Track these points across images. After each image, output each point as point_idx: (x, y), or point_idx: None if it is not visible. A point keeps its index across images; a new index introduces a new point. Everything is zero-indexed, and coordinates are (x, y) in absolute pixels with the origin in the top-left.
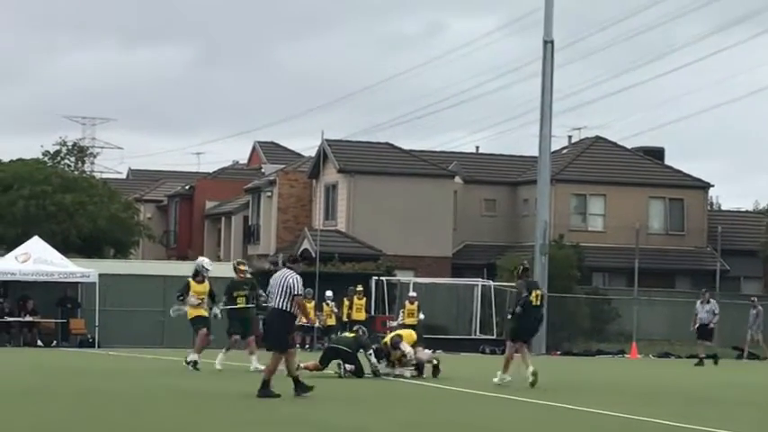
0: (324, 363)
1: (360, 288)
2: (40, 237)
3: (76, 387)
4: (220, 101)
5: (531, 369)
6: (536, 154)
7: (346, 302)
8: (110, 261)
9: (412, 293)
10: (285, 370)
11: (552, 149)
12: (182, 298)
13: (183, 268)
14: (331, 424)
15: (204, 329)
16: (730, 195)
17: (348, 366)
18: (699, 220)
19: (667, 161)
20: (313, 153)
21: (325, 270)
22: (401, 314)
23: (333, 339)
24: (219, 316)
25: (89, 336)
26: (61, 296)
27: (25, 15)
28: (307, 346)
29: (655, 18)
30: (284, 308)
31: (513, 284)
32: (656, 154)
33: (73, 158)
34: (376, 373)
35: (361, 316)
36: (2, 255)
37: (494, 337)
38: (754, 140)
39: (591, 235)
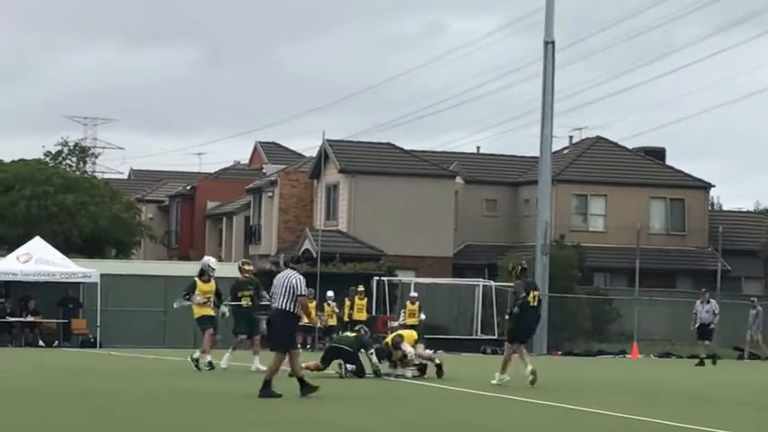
0: (325, 362)
1: (361, 288)
2: (42, 237)
3: (78, 387)
4: (222, 101)
5: (529, 368)
6: (537, 154)
7: (347, 303)
8: (111, 261)
9: (413, 294)
10: (287, 370)
11: (553, 150)
12: (188, 297)
13: (185, 268)
14: (332, 424)
15: (211, 329)
16: (731, 196)
17: (349, 366)
18: (700, 221)
19: (668, 161)
20: (314, 153)
21: (327, 270)
22: (402, 314)
23: (334, 339)
24: (227, 314)
25: (91, 336)
26: (63, 296)
27: (25, 15)
28: (308, 346)
29: (655, 19)
30: (288, 308)
31: (512, 284)
32: (657, 154)
33: (74, 159)
34: (377, 374)
35: (363, 316)
36: (3, 255)
37: (495, 337)
38: (754, 141)
39: (592, 235)
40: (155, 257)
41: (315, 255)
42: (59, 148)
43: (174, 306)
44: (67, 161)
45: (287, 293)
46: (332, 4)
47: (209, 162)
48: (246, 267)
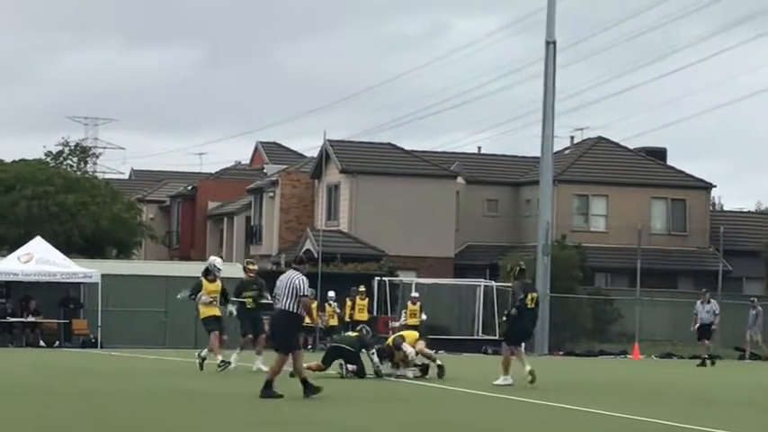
0: (327, 362)
1: (362, 288)
2: (43, 237)
3: (79, 387)
4: (222, 101)
5: (527, 368)
6: (538, 154)
7: (349, 303)
8: (112, 261)
9: (414, 294)
10: (288, 370)
11: (554, 150)
12: (193, 297)
13: (186, 269)
14: (333, 424)
15: (217, 331)
16: (732, 196)
17: (350, 366)
18: (701, 221)
19: (669, 162)
20: (315, 153)
21: (328, 270)
22: (403, 315)
23: (335, 338)
24: (234, 313)
25: (91, 336)
26: (64, 296)
27: (26, 15)
28: (309, 346)
29: (656, 19)
30: (291, 309)
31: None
32: (659, 154)
33: (75, 159)
34: (378, 374)
35: (364, 316)
36: (4, 255)
37: (496, 337)
38: (756, 141)
39: (593, 235)
40: (156, 258)
41: (316, 255)
42: (60, 148)
43: (178, 297)
44: (68, 161)
45: (290, 294)
46: (332, 3)
47: (209, 162)
48: (251, 267)
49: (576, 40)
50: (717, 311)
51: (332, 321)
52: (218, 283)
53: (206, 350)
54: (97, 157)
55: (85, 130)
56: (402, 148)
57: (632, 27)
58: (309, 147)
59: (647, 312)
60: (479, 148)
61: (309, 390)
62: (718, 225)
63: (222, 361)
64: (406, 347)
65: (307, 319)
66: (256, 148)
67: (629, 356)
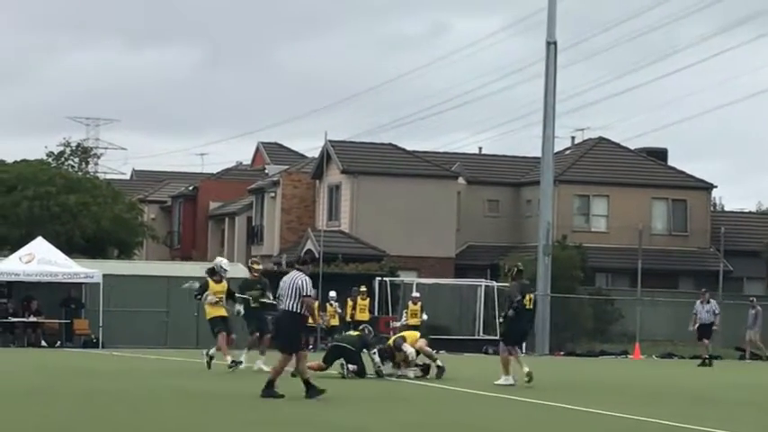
0: (328, 361)
1: (363, 289)
2: (44, 237)
3: (80, 387)
4: (223, 102)
5: (525, 369)
6: (539, 155)
7: (350, 303)
8: (113, 262)
9: (415, 294)
10: (290, 370)
11: (555, 150)
12: (199, 297)
13: (187, 269)
14: (334, 424)
15: (224, 331)
16: (733, 196)
17: (351, 367)
18: (702, 221)
19: (670, 162)
20: (316, 154)
21: (329, 271)
22: (404, 315)
23: (336, 338)
24: (242, 312)
25: (93, 336)
26: (65, 297)
27: (26, 15)
28: (310, 346)
29: (658, 19)
30: (295, 309)
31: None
32: (659, 155)
33: (77, 159)
34: (379, 374)
35: (365, 316)
36: (6, 255)
37: (497, 337)
38: (757, 141)
39: (594, 236)
40: (157, 258)
41: (317, 255)
42: (62, 148)
43: (185, 286)
44: (70, 162)
45: (293, 294)
46: (332, 3)
47: (211, 162)
48: (256, 267)
49: (577, 41)
50: (717, 311)
51: (333, 321)
52: (225, 283)
53: (213, 349)
54: (98, 157)
55: (87, 130)
56: (403, 149)
57: (633, 27)
58: (311, 147)
59: (647, 312)
60: (480, 148)
61: (312, 391)
62: (718, 225)
63: (233, 361)
64: (407, 348)
65: (309, 320)
66: (258, 149)
67: (629, 357)
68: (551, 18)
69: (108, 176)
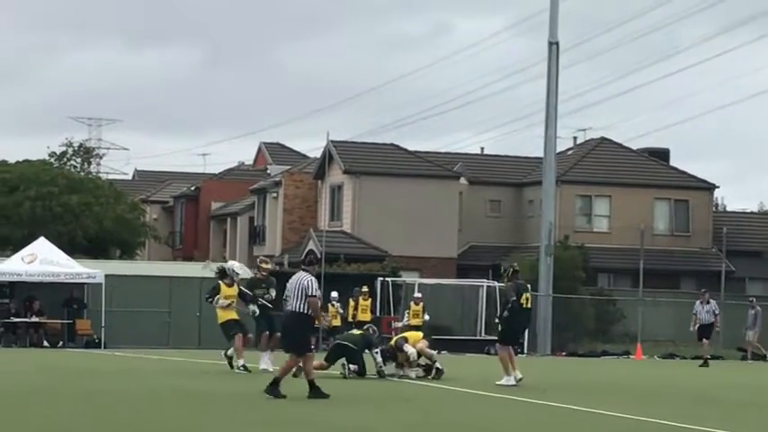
0: (330, 360)
1: (365, 289)
2: (47, 238)
3: (82, 387)
4: (226, 102)
5: (517, 375)
6: (541, 155)
7: (352, 303)
8: (116, 262)
9: (417, 294)
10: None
11: (557, 150)
12: (210, 300)
13: (189, 269)
14: (335, 425)
15: (239, 334)
16: (735, 196)
17: (352, 366)
18: (704, 222)
19: (672, 162)
20: (318, 154)
21: (331, 271)
22: (406, 315)
23: (339, 336)
24: (257, 312)
25: (95, 336)
26: (67, 297)
27: (26, 15)
28: (312, 346)
29: (660, 19)
30: (301, 310)
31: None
32: (662, 155)
33: (79, 159)
34: (381, 374)
35: (367, 317)
36: (8, 256)
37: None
38: (758, 141)
39: (596, 236)
40: (159, 258)
41: (319, 255)
42: (64, 148)
43: (202, 267)
44: (72, 162)
45: (300, 295)
46: (332, 3)
47: (213, 163)
48: (264, 266)
49: (580, 41)
50: (717, 311)
51: (335, 322)
52: (236, 287)
53: (231, 349)
54: (101, 157)
55: (89, 130)
56: (405, 149)
57: (635, 28)
58: (312, 147)
59: (649, 313)
60: (482, 148)
61: (315, 392)
62: (720, 226)
63: (243, 365)
64: (408, 348)
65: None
66: (260, 149)
67: (631, 357)
68: (553, 18)
69: (110, 177)
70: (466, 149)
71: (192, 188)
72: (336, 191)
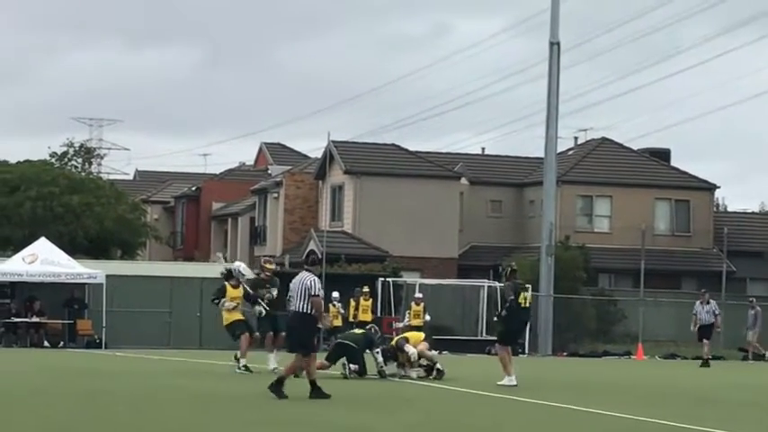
0: (331, 360)
1: (366, 289)
2: (47, 238)
3: (83, 388)
4: (226, 102)
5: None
6: (542, 155)
7: (353, 303)
8: (117, 262)
9: (418, 295)
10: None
11: (558, 151)
12: (216, 302)
13: (190, 269)
14: (336, 425)
15: (246, 334)
16: (736, 197)
17: (352, 366)
18: (705, 222)
19: (673, 162)
20: (319, 154)
21: (332, 271)
22: (407, 315)
23: (340, 336)
24: (264, 313)
25: (96, 337)
26: (68, 297)
27: (25, 16)
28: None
29: (661, 20)
30: (305, 310)
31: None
32: (662, 155)
33: (80, 160)
34: (382, 374)
35: (368, 317)
36: (9, 256)
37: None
38: (760, 142)
39: (597, 236)
40: (160, 258)
41: (320, 256)
42: (65, 148)
43: (218, 254)
44: (73, 162)
45: (303, 295)
46: (332, 4)
47: (214, 163)
48: (268, 266)
49: (580, 41)
50: (717, 312)
51: (336, 322)
52: (241, 288)
53: (242, 360)
54: (102, 157)
55: (90, 130)
56: (406, 149)
57: (636, 28)
58: (313, 148)
59: (650, 313)
60: (483, 148)
61: (316, 392)
62: (721, 226)
63: (245, 366)
64: (409, 348)
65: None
66: (261, 149)
67: (632, 357)
68: (554, 19)
69: (111, 177)
70: (466, 150)
71: (193, 188)
72: (337, 191)
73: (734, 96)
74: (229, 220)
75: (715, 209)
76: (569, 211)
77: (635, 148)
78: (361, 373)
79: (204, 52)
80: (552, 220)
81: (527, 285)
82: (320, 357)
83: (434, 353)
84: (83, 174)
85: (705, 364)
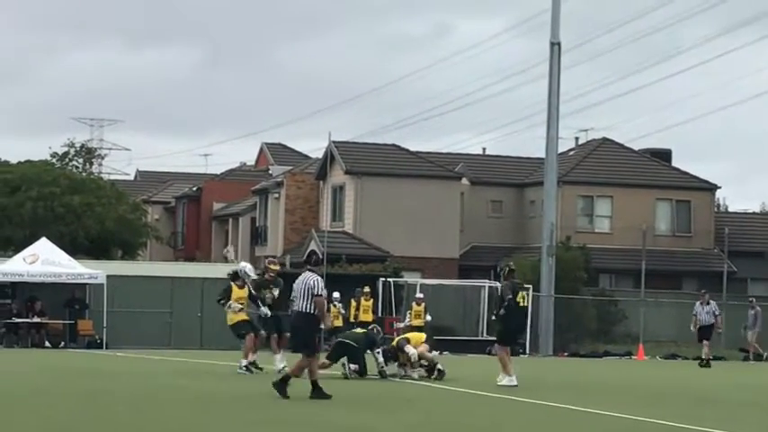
0: (332, 359)
1: (367, 289)
2: (48, 238)
3: (84, 388)
4: (227, 102)
5: (501, 377)
6: (543, 155)
7: (353, 303)
8: (117, 262)
9: (419, 295)
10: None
11: (559, 151)
12: (223, 302)
13: (191, 270)
14: (337, 425)
15: (251, 334)
16: (737, 197)
17: (352, 366)
18: (706, 222)
19: (674, 163)
20: (320, 154)
21: (333, 271)
22: (408, 316)
23: (341, 335)
24: (269, 314)
25: (97, 337)
26: (69, 297)
27: (26, 16)
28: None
29: (661, 20)
30: (308, 310)
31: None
32: (663, 155)
33: (81, 160)
34: (382, 374)
35: (369, 317)
36: (10, 256)
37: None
38: (761, 142)
39: (598, 236)
40: (161, 258)
41: (321, 256)
42: (66, 149)
43: (227, 251)
44: (74, 162)
45: (306, 295)
46: (333, 4)
47: (215, 163)
48: (272, 267)
49: (581, 42)
50: (717, 312)
51: (337, 322)
52: (246, 289)
53: (255, 356)
54: (102, 158)
55: (91, 131)
56: (407, 150)
57: (637, 28)
58: (314, 148)
59: (651, 313)
60: (484, 149)
61: (319, 394)
62: (722, 226)
63: (246, 366)
64: (409, 349)
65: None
66: (261, 150)
67: (633, 357)
68: (555, 19)
69: (112, 177)
70: (467, 150)
71: (194, 189)
72: (338, 191)
73: (735, 97)
74: (230, 220)
75: (716, 209)
76: (570, 212)
77: (636, 148)
78: (362, 372)
79: (204, 52)
80: (553, 220)
81: (526, 285)
82: (321, 357)
83: (435, 353)
84: (84, 174)
85: (706, 364)
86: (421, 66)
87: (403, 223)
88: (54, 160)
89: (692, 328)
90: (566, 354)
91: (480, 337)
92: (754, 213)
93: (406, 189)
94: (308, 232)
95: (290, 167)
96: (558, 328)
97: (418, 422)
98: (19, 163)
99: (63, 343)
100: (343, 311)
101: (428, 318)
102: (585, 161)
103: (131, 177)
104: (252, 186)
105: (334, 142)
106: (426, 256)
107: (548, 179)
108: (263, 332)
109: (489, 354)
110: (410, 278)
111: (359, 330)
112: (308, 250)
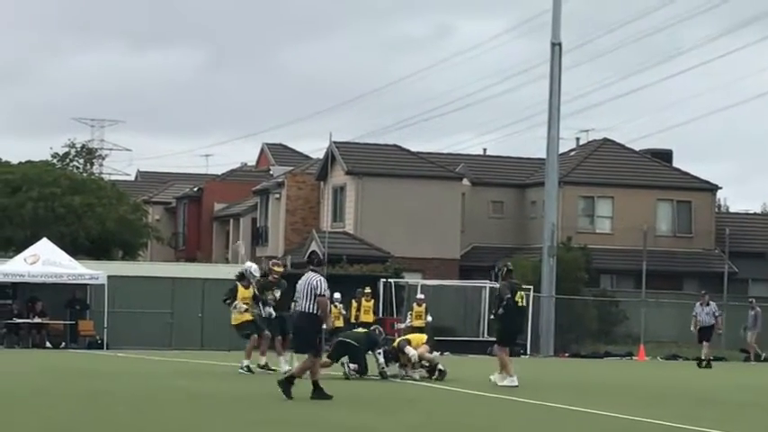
0: (333, 358)
1: (368, 290)
2: (49, 238)
3: (85, 388)
4: (227, 103)
5: (495, 376)
6: (544, 156)
7: (354, 304)
8: (118, 263)
9: (420, 295)
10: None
11: (560, 152)
12: (229, 302)
13: (192, 270)
14: (338, 425)
15: (255, 334)
16: (738, 197)
17: (352, 365)
18: (707, 223)
19: (675, 163)
20: (321, 155)
21: (334, 272)
22: (409, 316)
23: (342, 334)
24: (273, 314)
25: (98, 337)
26: (70, 298)
27: (29, 17)
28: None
29: (663, 20)
30: (311, 311)
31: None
32: (664, 156)
33: (82, 160)
34: (383, 375)
35: (369, 318)
36: (11, 257)
37: None
38: (761, 143)
39: (599, 237)
40: (162, 259)
41: (322, 256)
42: (67, 149)
43: (234, 247)
44: (75, 163)
45: (309, 295)
46: (334, 5)
47: (216, 164)
48: (276, 269)
49: (582, 42)
50: (717, 313)
51: (337, 323)
52: (251, 289)
53: (263, 359)
54: (103, 158)
55: (92, 131)
56: (408, 150)
57: (638, 29)
58: (315, 148)
59: (652, 314)
60: (485, 149)
61: (320, 394)
62: (723, 227)
63: (247, 367)
64: (409, 350)
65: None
66: (262, 150)
67: (634, 358)
68: (556, 19)
69: (113, 177)
70: (468, 151)
71: (195, 189)
72: (339, 192)
73: (736, 97)
74: (231, 220)
75: (717, 210)
76: (571, 212)
77: (637, 148)
78: (362, 372)
79: (207, 54)
80: (554, 220)
81: (524, 286)
82: (322, 357)
83: (436, 354)
84: (84, 174)
85: (706, 365)
86: (422, 66)
87: (404, 224)
88: (55, 161)
89: (692, 328)
90: (567, 354)
91: (481, 338)
92: (755, 214)
93: (406, 190)
94: (309, 233)
95: (291, 168)
96: (559, 328)
97: (419, 422)
98: (20, 163)
99: (64, 343)
100: (344, 312)
101: (429, 318)
102: (586, 162)
103: (132, 178)
104: (253, 187)
105: (335, 143)
106: (427, 257)
107: (549, 180)
108: (267, 332)
109: (490, 354)
110: (411, 279)
111: (360, 330)
112: (309, 251)
